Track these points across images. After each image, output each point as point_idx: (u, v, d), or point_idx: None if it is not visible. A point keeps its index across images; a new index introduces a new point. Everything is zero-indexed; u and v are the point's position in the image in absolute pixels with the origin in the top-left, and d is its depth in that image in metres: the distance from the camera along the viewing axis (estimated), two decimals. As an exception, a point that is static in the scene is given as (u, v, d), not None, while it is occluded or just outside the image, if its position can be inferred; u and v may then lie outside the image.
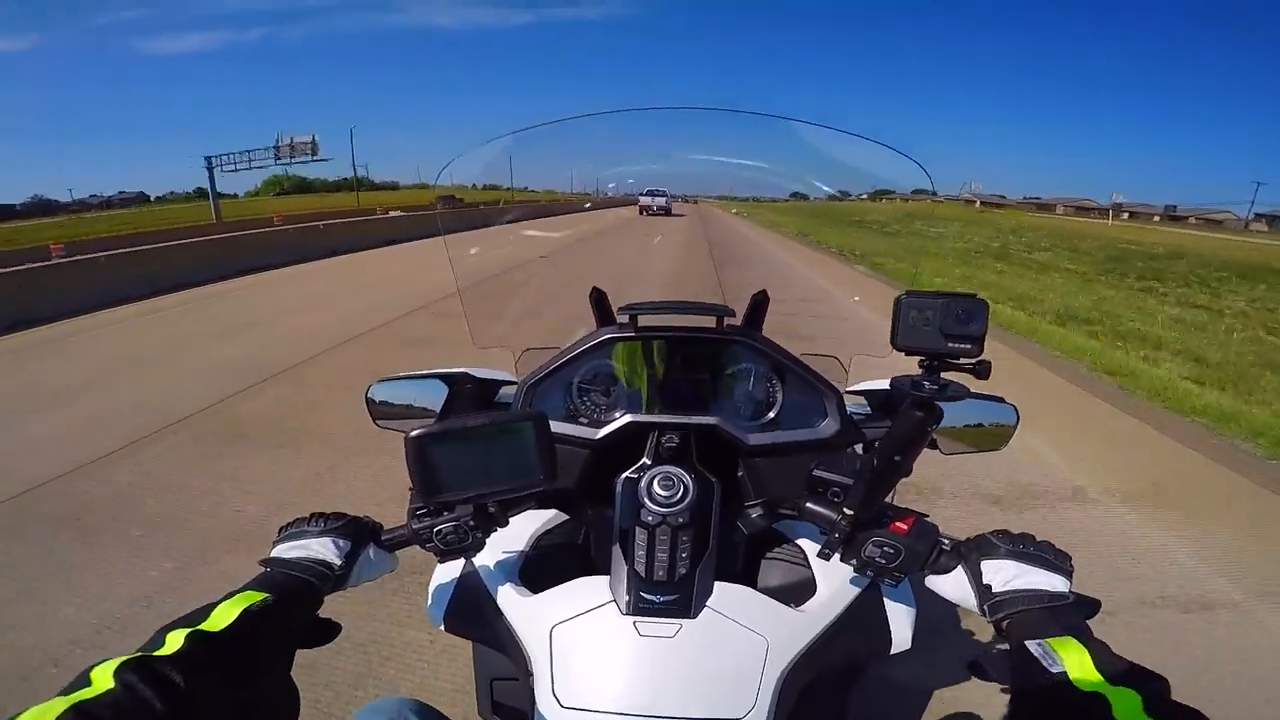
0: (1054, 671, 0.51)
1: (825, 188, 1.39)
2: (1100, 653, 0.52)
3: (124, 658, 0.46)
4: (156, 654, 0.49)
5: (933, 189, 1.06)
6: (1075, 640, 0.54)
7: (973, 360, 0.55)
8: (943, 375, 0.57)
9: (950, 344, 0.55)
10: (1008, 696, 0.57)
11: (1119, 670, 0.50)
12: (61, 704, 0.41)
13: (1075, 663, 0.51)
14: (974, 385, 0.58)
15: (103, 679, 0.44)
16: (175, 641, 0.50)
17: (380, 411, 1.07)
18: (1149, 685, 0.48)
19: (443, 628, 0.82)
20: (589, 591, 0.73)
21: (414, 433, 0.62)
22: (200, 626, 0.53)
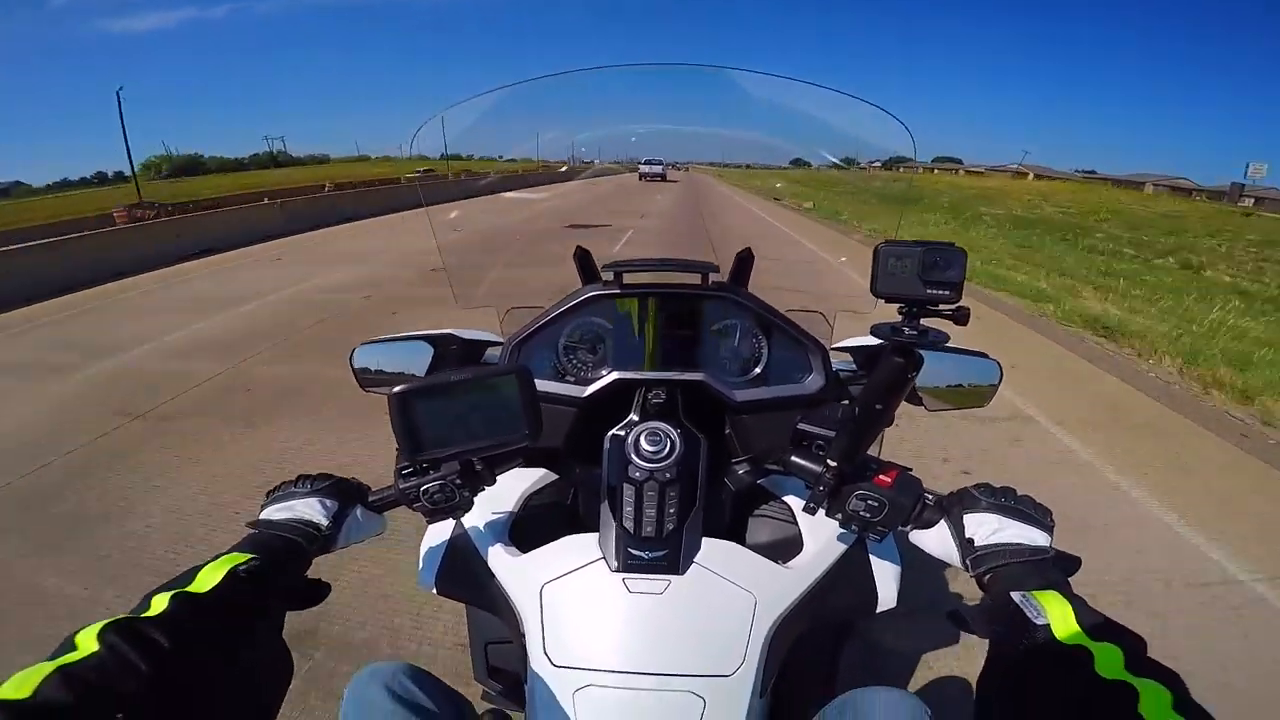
0: (1038, 624, 0.52)
1: (826, 155, 1.37)
2: (1081, 608, 0.52)
3: (108, 620, 0.46)
4: (141, 616, 0.49)
5: (914, 153, 1.04)
6: (1058, 594, 0.54)
7: (951, 306, 0.55)
8: (923, 322, 0.57)
9: (929, 290, 0.55)
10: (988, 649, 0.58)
11: (1100, 625, 0.51)
12: (47, 668, 0.41)
13: (1058, 616, 0.52)
14: (954, 333, 0.58)
15: (87, 642, 0.44)
16: (160, 604, 0.50)
17: (366, 377, 1.06)
18: (1128, 641, 0.49)
19: (434, 590, 0.83)
20: (578, 549, 0.73)
21: (397, 389, 0.62)
22: (186, 589, 0.53)
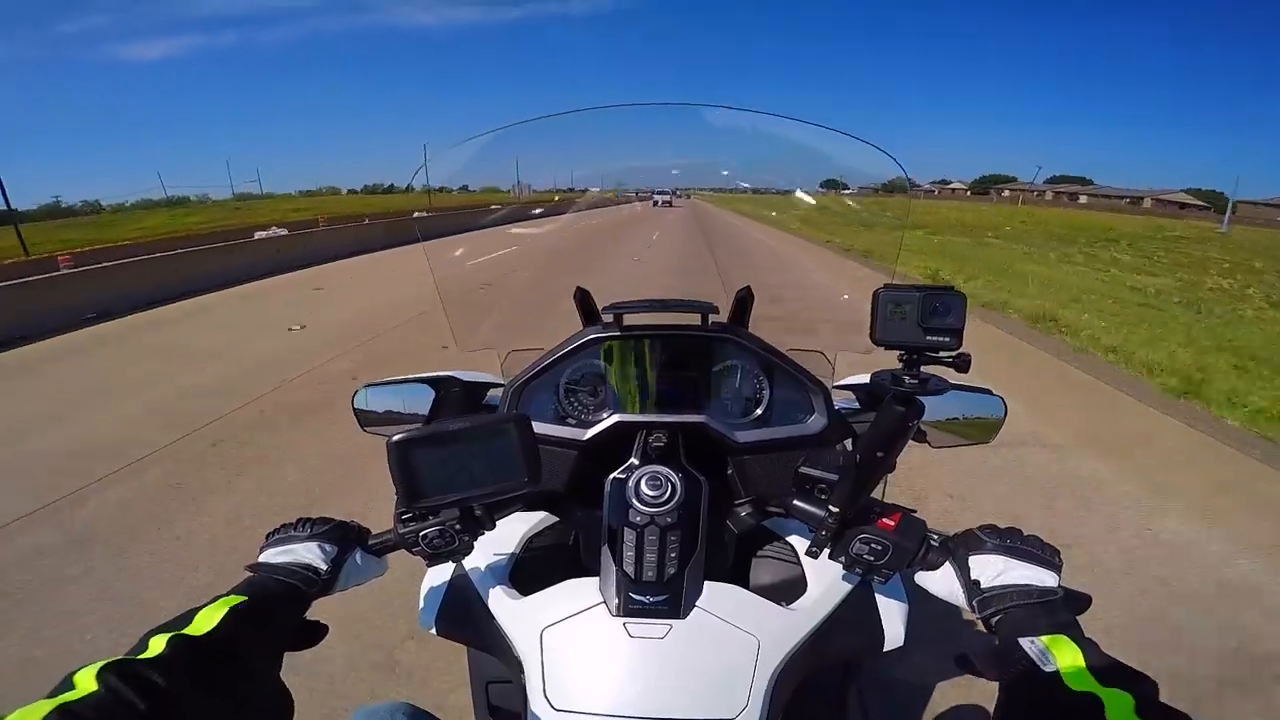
0: (1047, 670, 0.51)
1: (819, 187, 1.38)
2: (1092, 652, 0.52)
3: (106, 661, 0.47)
4: (139, 658, 0.49)
5: (909, 182, 1.06)
6: (1067, 639, 0.54)
7: (952, 353, 0.55)
8: (923, 369, 0.57)
9: (929, 337, 0.55)
10: (998, 693, 0.57)
11: (1111, 671, 0.50)
12: (46, 706, 0.42)
13: (1068, 661, 0.51)
14: (955, 378, 0.58)
15: (86, 682, 0.44)
16: (158, 645, 0.51)
17: (367, 418, 1.07)
18: (1140, 687, 0.48)
19: (434, 631, 0.82)
20: (579, 593, 0.73)
21: (396, 437, 0.62)
22: (183, 631, 0.53)
